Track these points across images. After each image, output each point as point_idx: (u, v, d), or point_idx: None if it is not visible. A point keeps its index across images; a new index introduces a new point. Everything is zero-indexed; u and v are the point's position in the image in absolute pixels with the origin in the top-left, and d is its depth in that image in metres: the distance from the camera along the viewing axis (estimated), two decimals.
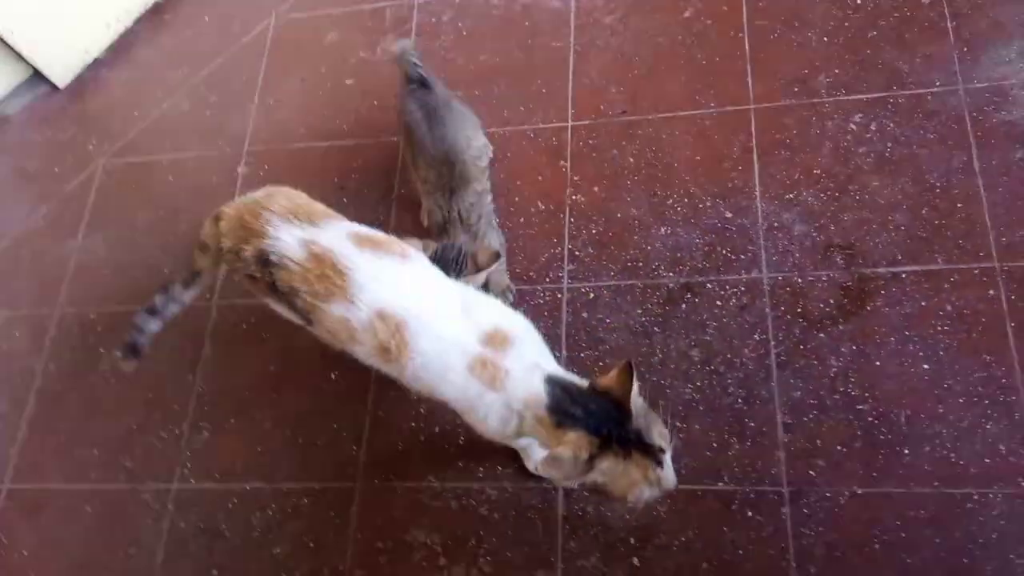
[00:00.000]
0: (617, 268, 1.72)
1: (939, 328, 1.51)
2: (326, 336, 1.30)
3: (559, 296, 1.72)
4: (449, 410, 1.27)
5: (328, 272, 1.23)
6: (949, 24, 1.77)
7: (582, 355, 1.65)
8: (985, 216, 1.57)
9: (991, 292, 1.51)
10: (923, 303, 1.53)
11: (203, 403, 1.78)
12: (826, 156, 1.71)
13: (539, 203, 1.83)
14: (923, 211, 1.61)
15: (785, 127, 1.77)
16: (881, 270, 1.58)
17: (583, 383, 1.21)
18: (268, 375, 1.77)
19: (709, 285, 1.66)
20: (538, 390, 1.18)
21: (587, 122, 1.90)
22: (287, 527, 1.60)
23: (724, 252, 1.68)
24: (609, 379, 1.17)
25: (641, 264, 1.71)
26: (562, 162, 1.87)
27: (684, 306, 1.65)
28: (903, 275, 1.56)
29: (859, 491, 1.41)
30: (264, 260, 1.28)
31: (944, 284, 1.54)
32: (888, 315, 1.54)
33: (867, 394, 1.48)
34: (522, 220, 1.82)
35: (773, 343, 1.57)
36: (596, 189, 1.82)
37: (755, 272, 1.64)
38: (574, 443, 1.12)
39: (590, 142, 1.88)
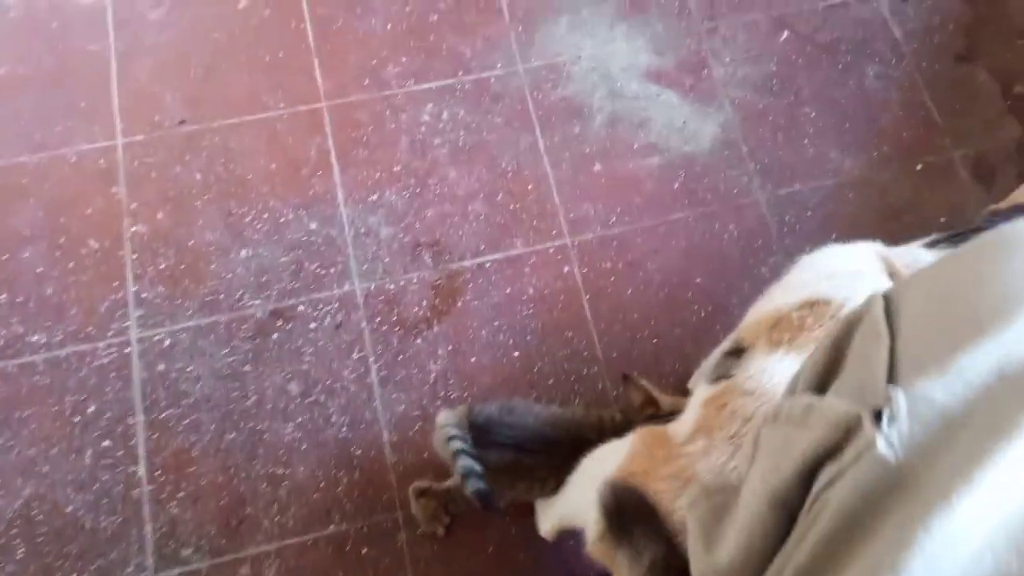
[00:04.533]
0: (195, 305, 1.51)
1: (524, 312, 1.53)
2: None
3: (127, 350, 1.47)
4: None
5: None
6: (503, 4, 1.79)
7: (163, 416, 1.43)
8: (554, 194, 1.62)
9: (566, 268, 1.56)
10: (508, 290, 1.54)
11: None
12: (404, 151, 1.65)
13: (91, 241, 1.54)
14: (499, 197, 1.62)
15: (360, 124, 1.67)
16: (467, 263, 1.56)
17: None
18: None
19: (301, 307, 1.52)
20: None
21: (141, 137, 1.63)
22: None
23: (313, 268, 1.55)
24: None
25: (223, 296, 1.52)
26: (115, 188, 1.59)
27: (276, 336, 1.50)
28: (487, 264, 1.56)
29: None
30: None
31: (525, 268, 1.56)
32: (478, 308, 1.53)
33: (466, 393, 1.46)
34: (71, 265, 1.52)
35: (372, 358, 1.48)
36: (160, 215, 1.57)
37: (347, 285, 1.54)
38: None
39: (147, 160, 1.62)
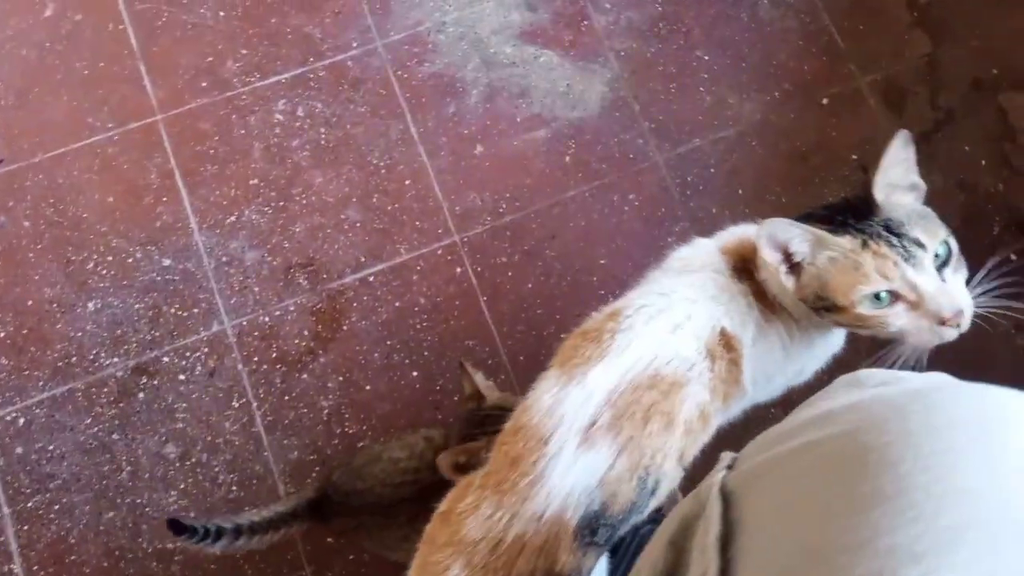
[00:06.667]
0: (46, 374, 1.33)
1: (418, 326, 1.38)
2: None
3: None
4: None
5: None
6: None
7: (31, 504, 1.27)
8: (435, 188, 1.46)
9: (458, 270, 1.42)
10: (396, 304, 1.39)
11: None
12: (259, 160, 1.46)
13: None
14: (374, 199, 1.45)
15: (204, 134, 1.46)
16: (348, 279, 1.40)
17: None
18: None
19: (166, 358, 1.35)
20: None
21: None
22: None
23: (173, 311, 1.38)
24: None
25: (75, 359, 1.34)
26: None
27: (142, 395, 1.33)
28: (370, 278, 1.40)
29: None
30: None
31: (412, 276, 1.41)
32: (366, 328, 1.38)
33: (365, 427, 1.33)
34: None
35: (255, 404, 1.33)
36: None
37: (215, 325, 1.37)
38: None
39: None
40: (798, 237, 0.80)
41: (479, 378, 1.16)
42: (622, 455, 0.79)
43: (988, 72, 1.53)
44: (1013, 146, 1.49)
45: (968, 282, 0.84)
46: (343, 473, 1.12)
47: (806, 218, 0.85)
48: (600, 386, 0.81)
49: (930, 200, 0.93)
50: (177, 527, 1.01)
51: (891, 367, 0.85)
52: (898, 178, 0.83)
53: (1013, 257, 1.36)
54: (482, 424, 1.04)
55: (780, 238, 0.80)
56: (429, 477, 1.07)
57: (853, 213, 0.81)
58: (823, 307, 0.82)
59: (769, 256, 0.81)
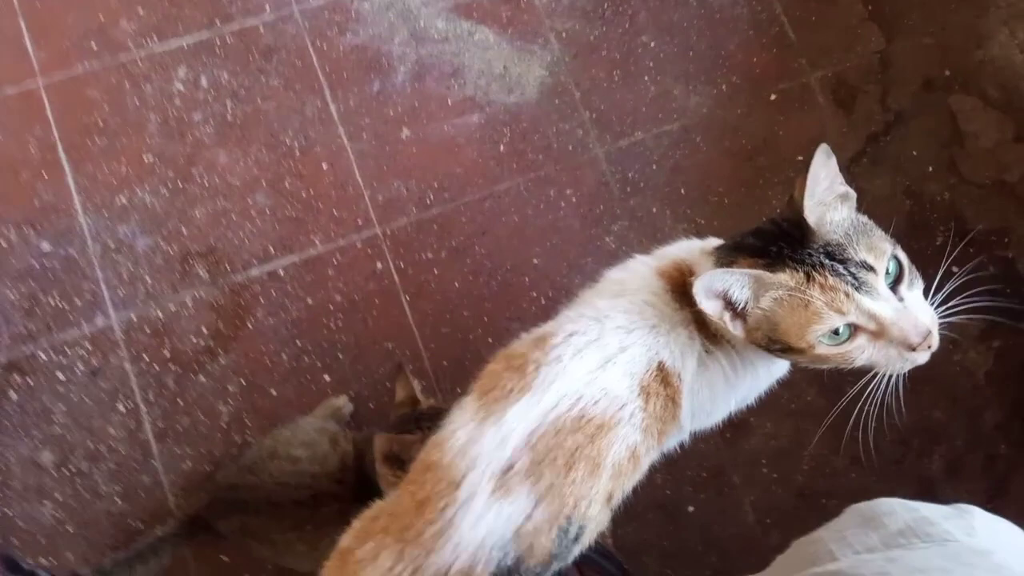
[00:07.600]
0: None
1: (332, 326, 1.27)
2: None
3: None
4: None
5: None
6: None
7: None
8: (356, 173, 1.33)
9: (379, 265, 1.30)
10: (308, 300, 1.27)
11: None
12: (155, 134, 1.30)
13: None
14: (286, 183, 1.31)
15: (93, 103, 1.30)
16: (254, 272, 1.27)
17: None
18: None
19: (43, 355, 1.21)
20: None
21: None
22: None
23: (53, 302, 1.23)
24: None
25: None
26: None
27: (15, 395, 1.19)
28: (280, 271, 1.28)
29: None
30: None
31: (328, 270, 1.29)
32: (273, 327, 1.26)
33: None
34: None
35: (144, 408, 1.20)
36: None
37: (100, 319, 1.23)
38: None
39: None
40: (736, 284, 0.71)
41: (416, 384, 1.08)
42: (541, 504, 0.70)
43: (940, 72, 1.47)
44: (962, 151, 1.44)
45: (926, 293, 0.76)
46: (230, 469, 1.03)
47: (735, 249, 0.76)
48: (518, 427, 0.71)
49: (876, 207, 0.86)
50: (10, 565, 0.90)
51: (872, 397, 0.77)
52: (825, 194, 0.74)
53: (955, 270, 1.32)
54: (417, 422, 0.96)
55: (717, 289, 0.71)
56: (328, 486, 0.98)
57: (787, 240, 0.73)
58: (779, 349, 0.73)
59: (709, 308, 0.72)
